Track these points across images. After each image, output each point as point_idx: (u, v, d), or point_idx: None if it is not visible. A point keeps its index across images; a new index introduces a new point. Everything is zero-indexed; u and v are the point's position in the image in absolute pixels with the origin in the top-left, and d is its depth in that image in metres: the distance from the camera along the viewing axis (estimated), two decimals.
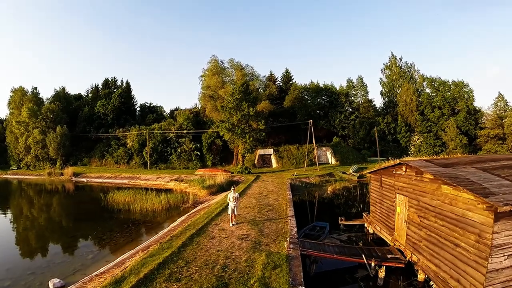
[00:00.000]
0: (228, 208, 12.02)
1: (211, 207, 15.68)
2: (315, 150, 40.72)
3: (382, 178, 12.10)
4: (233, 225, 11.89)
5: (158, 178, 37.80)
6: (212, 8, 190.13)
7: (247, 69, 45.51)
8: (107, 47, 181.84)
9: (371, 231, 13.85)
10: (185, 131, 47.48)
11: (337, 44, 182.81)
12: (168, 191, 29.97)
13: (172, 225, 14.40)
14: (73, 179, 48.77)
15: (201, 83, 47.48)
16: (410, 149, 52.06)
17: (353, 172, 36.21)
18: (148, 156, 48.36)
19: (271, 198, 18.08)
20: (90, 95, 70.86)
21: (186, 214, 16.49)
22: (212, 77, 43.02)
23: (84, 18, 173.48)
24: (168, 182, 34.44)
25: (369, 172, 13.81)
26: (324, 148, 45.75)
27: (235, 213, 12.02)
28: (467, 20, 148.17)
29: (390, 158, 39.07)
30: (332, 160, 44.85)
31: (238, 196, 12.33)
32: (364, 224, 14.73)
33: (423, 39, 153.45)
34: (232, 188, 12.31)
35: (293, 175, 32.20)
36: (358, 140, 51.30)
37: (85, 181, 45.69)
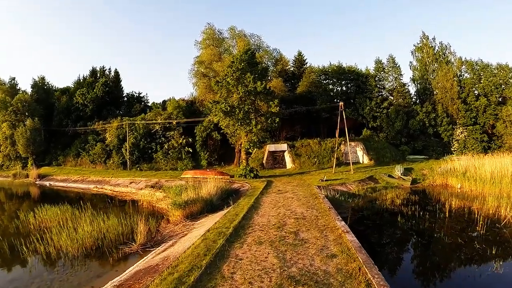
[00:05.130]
0: None
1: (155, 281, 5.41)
2: (347, 143, 30.29)
3: None
4: None
5: (131, 182, 27.75)
6: None
7: (253, 39, 34.31)
8: (104, 36, 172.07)
9: None
10: (174, 122, 37.25)
11: (353, 23, 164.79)
12: (133, 203, 20.06)
13: None
14: (37, 182, 39.54)
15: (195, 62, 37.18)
16: (453, 145, 42.18)
17: (401, 175, 25.81)
18: (128, 153, 38.37)
19: (310, 244, 7.72)
20: (74, 85, 61.25)
21: None
22: (207, 49, 32.44)
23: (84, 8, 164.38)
24: (141, 189, 24.32)
25: None
26: (353, 143, 35.04)
27: None
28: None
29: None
30: (364, 159, 34.23)
31: None
32: None
33: (459, 15, 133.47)
34: None
35: (322, 180, 21.73)
36: (393, 134, 40.49)
37: (48, 185, 36.25)
